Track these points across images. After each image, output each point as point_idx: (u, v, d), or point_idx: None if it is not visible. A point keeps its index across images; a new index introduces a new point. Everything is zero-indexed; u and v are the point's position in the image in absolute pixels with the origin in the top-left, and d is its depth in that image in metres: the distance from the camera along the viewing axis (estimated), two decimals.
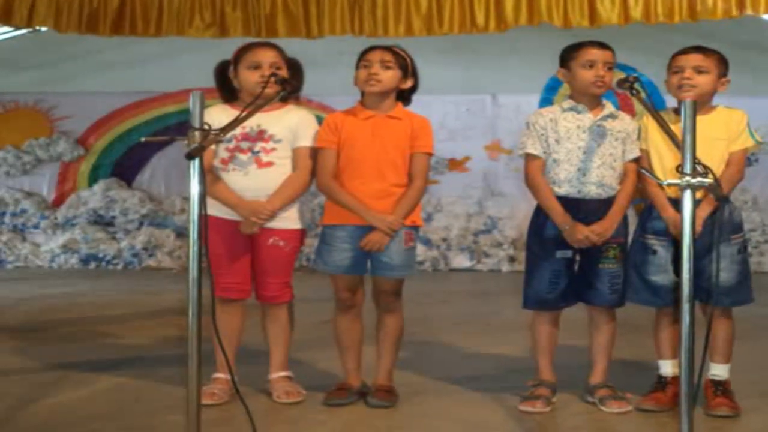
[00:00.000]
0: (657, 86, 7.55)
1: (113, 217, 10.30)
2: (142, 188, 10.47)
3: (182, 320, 2.96)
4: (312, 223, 7.20)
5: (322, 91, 8.50)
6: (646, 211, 4.15)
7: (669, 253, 4.04)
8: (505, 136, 10.04)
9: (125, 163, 10.49)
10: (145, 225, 10.29)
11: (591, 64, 4.05)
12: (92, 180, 10.47)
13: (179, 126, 9.27)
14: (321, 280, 4.35)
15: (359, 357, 4.26)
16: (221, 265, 4.11)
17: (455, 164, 10.19)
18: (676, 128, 3.08)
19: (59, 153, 10.42)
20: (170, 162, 10.28)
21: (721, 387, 4.03)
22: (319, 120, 4.26)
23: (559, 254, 4.10)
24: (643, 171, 3.96)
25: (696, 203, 2.99)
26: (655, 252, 4.07)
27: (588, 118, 4.10)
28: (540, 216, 4.14)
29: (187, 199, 2.94)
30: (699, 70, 4.01)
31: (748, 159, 4.31)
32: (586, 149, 4.06)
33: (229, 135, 3.68)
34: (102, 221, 10.30)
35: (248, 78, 4.13)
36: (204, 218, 2.92)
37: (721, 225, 3.91)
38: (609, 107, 4.14)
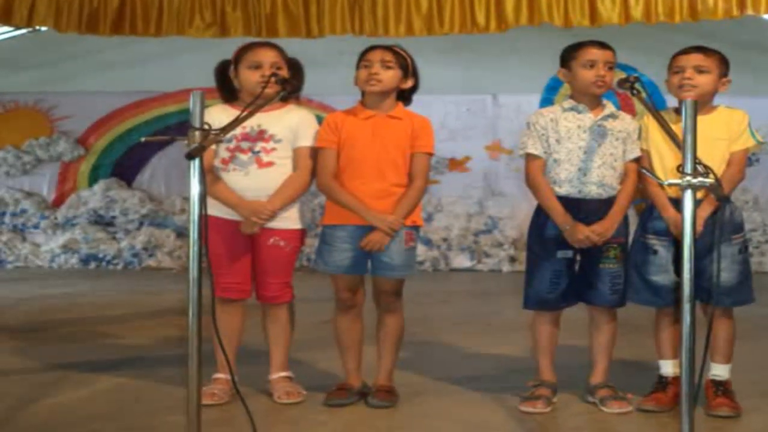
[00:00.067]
0: (657, 86, 7.56)
1: (113, 217, 10.30)
2: (143, 188, 10.47)
3: (182, 320, 2.96)
4: (312, 223, 7.21)
5: (322, 91, 8.49)
6: (647, 211, 4.14)
7: (670, 253, 4.03)
8: (506, 136, 10.04)
9: (125, 163, 10.49)
10: (145, 225, 10.28)
11: (592, 64, 4.05)
12: (92, 180, 10.47)
13: (179, 126, 9.27)
14: (321, 280, 4.35)
15: (360, 357, 4.26)
16: (221, 265, 4.11)
17: (456, 164, 10.19)
18: (677, 128, 3.07)
19: (59, 153, 10.42)
20: (170, 162, 10.28)
21: (722, 387, 4.03)
22: (320, 120, 4.25)
23: (560, 254, 4.10)
24: (644, 171, 3.96)
25: (697, 203, 2.99)
26: (655, 252, 4.07)
27: (589, 118, 4.10)
28: (541, 216, 4.14)
29: (187, 199, 2.94)
30: (700, 70, 4.01)
31: (749, 159, 4.31)
32: (586, 149, 4.06)
33: (229, 135, 3.67)
34: (102, 221, 10.29)
35: (249, 78, 4.12)
36: (204, 218, 2.92)
37: (721, 225, 3.90)
38: (610, 107, 4.14)
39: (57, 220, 10.30)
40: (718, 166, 3.87)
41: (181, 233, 10.14)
